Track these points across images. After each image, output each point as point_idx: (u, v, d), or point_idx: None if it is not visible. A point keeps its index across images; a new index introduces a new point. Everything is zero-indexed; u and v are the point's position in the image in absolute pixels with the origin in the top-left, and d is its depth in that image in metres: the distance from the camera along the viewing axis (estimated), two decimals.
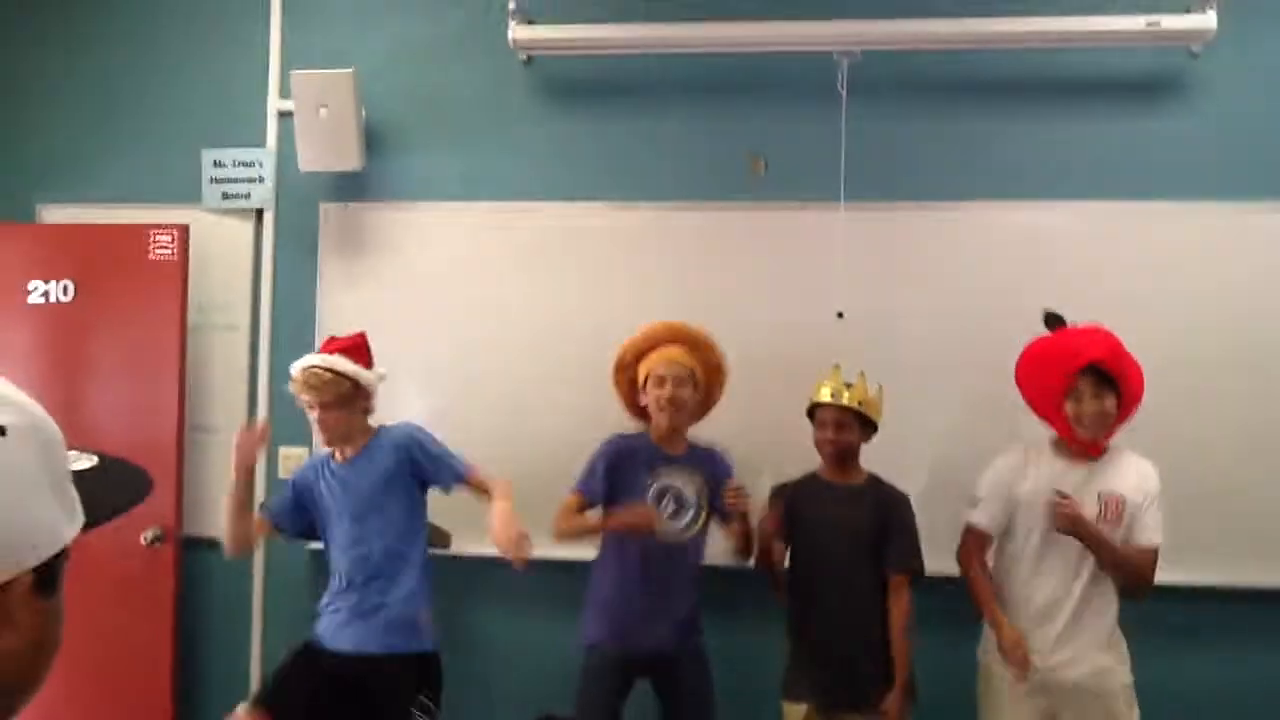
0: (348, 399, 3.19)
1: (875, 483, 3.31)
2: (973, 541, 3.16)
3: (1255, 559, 3.61)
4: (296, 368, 3.22)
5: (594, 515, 3.36)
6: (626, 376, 3.40)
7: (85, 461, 1.01)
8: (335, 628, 3.21)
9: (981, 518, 3.13)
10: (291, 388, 3.22)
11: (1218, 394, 3.64)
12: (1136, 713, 3.01)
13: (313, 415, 3.21)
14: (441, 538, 3.85)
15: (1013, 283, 3.69)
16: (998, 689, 3.07)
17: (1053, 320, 3.12)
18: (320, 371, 3.16)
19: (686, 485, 3.31)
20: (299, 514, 3.33)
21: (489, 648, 4.06)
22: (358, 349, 3.29)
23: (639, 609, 3.26)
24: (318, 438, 3.36)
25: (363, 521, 3.20)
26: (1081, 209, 3.76)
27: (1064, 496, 2.93)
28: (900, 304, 3.79)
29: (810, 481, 3.34)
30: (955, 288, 3.76)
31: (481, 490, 3.22)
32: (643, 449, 3.37)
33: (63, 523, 0.89)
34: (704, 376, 3.35)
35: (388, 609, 3.18)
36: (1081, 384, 2.98)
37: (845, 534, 3.21)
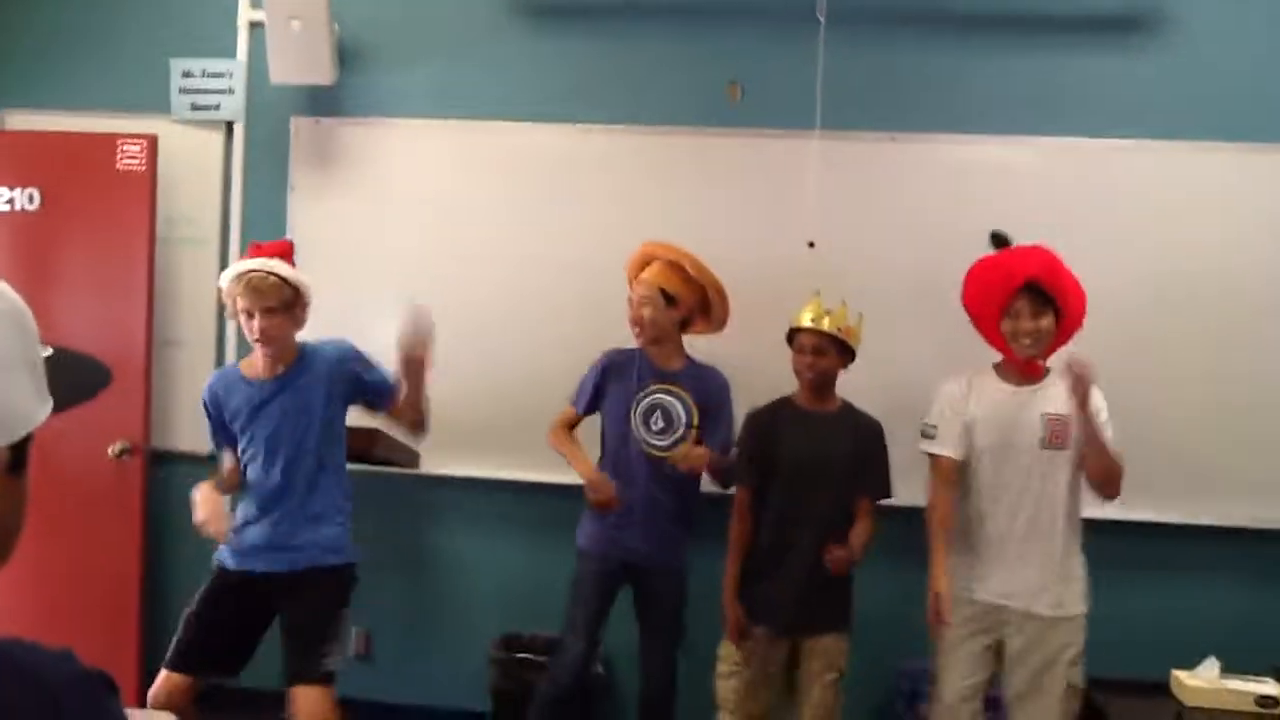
0: (289, 305, 3.03)
1: (850, 410, 3.34)
2: (940, 473, 3.13)
3: (1209, 497, 3.70)
4: (234, 272, 3.04)
5: (578, 449, 3.39)
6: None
7: (43, 351, 1.01)
8: (263, 547, 3.08)
9: (944, 445, 3.12)
10: (228, 293, 3.02)
11: (1182, 332, 3.69)
12: (1082, 640, 3.02)
13: (250, 323, 3.00)
14: (410, 457, 3.87)
15: (983, 217, 3.65)
16: (954, 611, 3.11)
17: (998, 240, 3.12)
18: (265, 275, 2.98)
19: (676, 402, 3.35)
20: (227, 432, 3.17)
21: (455, 567, 4.11)
22: (288, 255, 3.10)
23: (627, 517, 3.32)
24: (256, 349, 3.10)
25: (293, 438, 3.06)
26: (1054, 145, 3.77)
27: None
28: (872, 235, 3.80)
29: (785, 407, 3.35)
30: (927, 220, 3.77)
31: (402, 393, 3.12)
32: (637, 363, 3.41)
33: (35, 404, 0.91)
34: (682, 293, 3.35)
35: (316, 525, 3.08)
36: (1019, 302, 2.98)
37: (822, 461, 3.24)
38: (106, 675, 0.89)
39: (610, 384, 3.41)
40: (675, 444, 3.32)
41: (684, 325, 3.44)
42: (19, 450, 0.90)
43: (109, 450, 3.88)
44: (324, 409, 3.08)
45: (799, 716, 3.27)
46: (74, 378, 1.01)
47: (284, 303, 3.00)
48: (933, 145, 3.82)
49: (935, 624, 3.00)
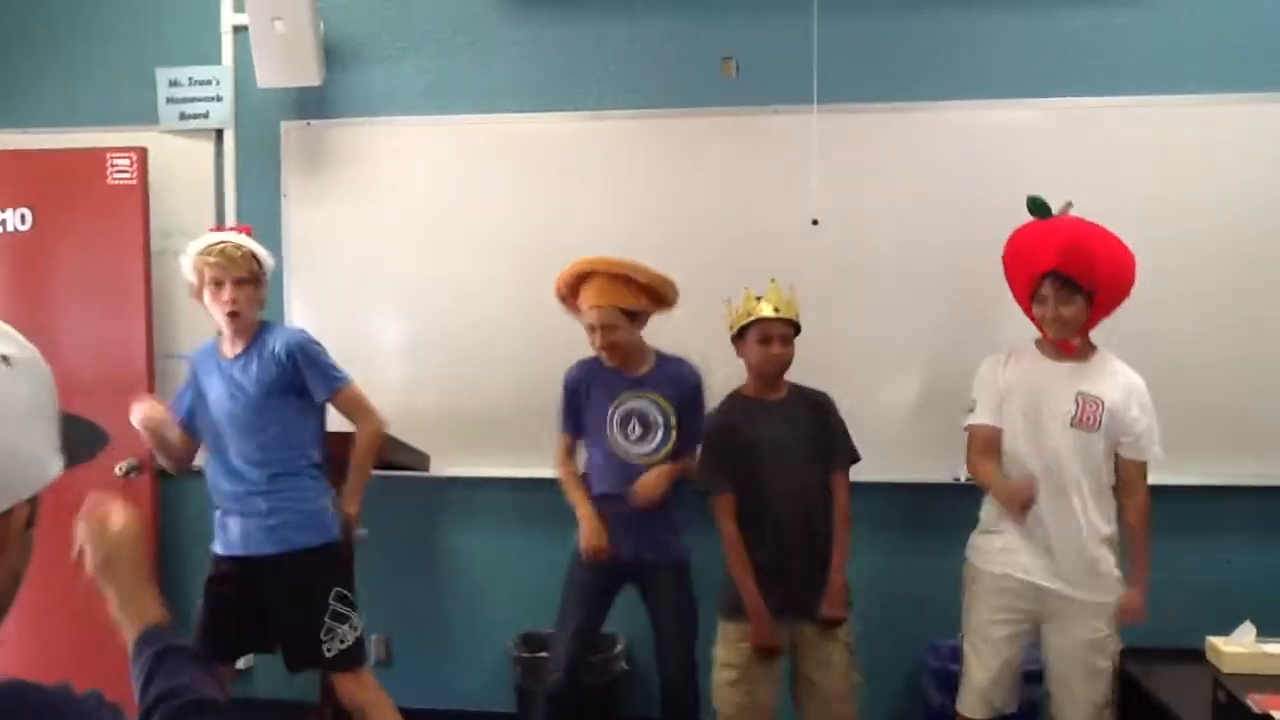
0: (257, 280, 3.04)
1: (799, 390, 3.26)
2: (979, 442, 3.05)
3: (1241, 457, 3.62)
4: (202, 244, 3.01)
5: (580, 492, 3.31)
6: (570, 307, 3.34)
7: None
8: (242, 532, 3.07)
9: (982, 415, 3.03)
10: (196, 265, 2.98)
11: (1199, 291, 3.61)
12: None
13: (220, 294, 2.98)
14: (419, 459, 3.82)
15: (989, 184, 3.62)
16: (982, 591, 3.07)
17: (1037, 207, 3.02)
18: (237, 245, 2.99)
19: (650, 407, 3.28)
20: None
21: (469, 567, 4.07)
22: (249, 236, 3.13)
23: (617, 521, 3.26)
24: (223, 324, 3.05)
25: (253, 423, 3.03)
26: (1057, 106, 3.68)
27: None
28: (876, 209, 3.72)
29: (742, 403, 3.25)
30: (931, 191, 3.69)
31: (351, 416, 3.13)
32: (602, 374, 3.32)
33: (51, 459, 0.93)
34: (639, 303, 3.22)
35: (288, 507, 3.03)
36: (1045, 288, 2.92)
37: (792, 447, 3.16)
38: (99, 694, 0.92)
39: (582, 400, 3.33)
40: (659, 448, 3.23)
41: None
42: (35, 504, 0.92)
43: (116, 469, 3.84)
44: (275, 393, 3.03)
45: (811, 712, 3.20)
46: (78, 435, 1.03)
47: (253, 275, 3.03)
48: (935, 113, 3.73)
49: (1025, 502, 2.90)
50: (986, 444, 3.02)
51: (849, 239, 3.65)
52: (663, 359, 3.34)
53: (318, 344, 3.13)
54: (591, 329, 3.22)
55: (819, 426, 3.19)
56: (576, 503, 3.30)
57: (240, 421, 3.04)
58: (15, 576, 0.94)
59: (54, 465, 0.93)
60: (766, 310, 3.13)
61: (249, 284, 3.01)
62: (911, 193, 3.71)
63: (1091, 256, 2.88)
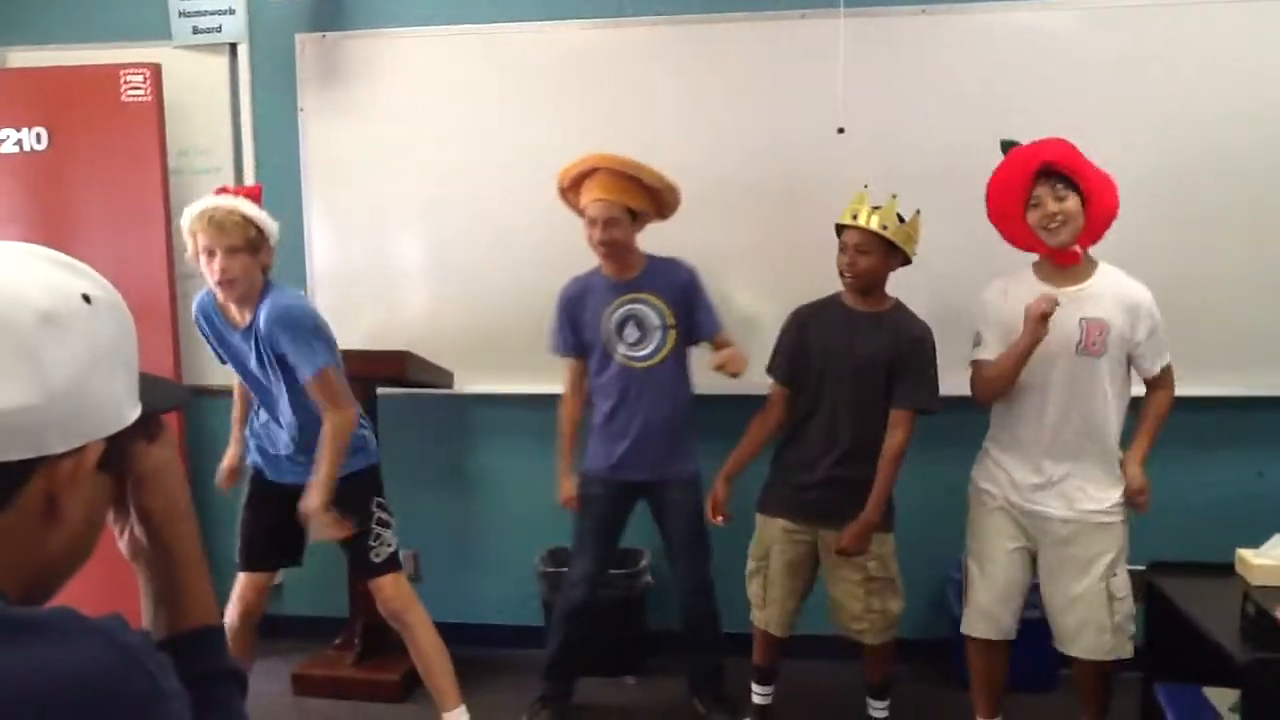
0: (255, 247, 2.87)
1: (896, 312, 3.17)
2: (982, 378, 3.01)
3: (1263, 367, 3.56)
4: (196, 209, 2.87)
5: (566, 440, 3.42)
6: (569, 201, 3.31)
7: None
8: (273, 467, 3.15)
9: (986, 351, 2.99)
10: (189, 230, 2.86)
11: (1232, 201, 3.51)
12: (1119, 546, 2.93)
13: (212, 265, 2.84)
14: (443, 377, 3.82)
15: (1020, 89, 3.51)
16: (986, 511, 3.04)
17: (1008, 146, 2.97)
18: (229, 210, 2.82)
19: (644, 308, 3.25)
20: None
21: (495, 484, 4.09)
22: (257, 198, 2.95)
23: (624, 437, 3.27)
24: (217, 292, 2.93)
25: (274, 387, 3.01)
26: (1096, 5, 3.54)
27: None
28: (903, 118, 3.62)
29: (830, 305, 3.21)
30: (960, 96, 3.58)
31: (323, 402, 2.93)
32: (595, 284, 3.31)
33: (128, 404, 0.93)
34: (643, 205, 3.19)
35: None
36: (1039, 188, 2.85)
37: (852, 361, 3.11)
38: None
39: (578, 316, 3.32)
40: (657, 349, 3.23)
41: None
42: (110, 448, 0.91)
43: None
44: (281, 361, 2.94)
45: (832, 614, 3.23)
46: (157, 389, 1.02)
47: (249, 243, 2.86)
48: (966, 15, 3.60)
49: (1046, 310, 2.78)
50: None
51: (875, 149, 3.56)
52: (654, 260, 3.30)
53: (306, 318, 2.93)
54: (592, 223, 3.18)
55: (897, 356, 3.10)
56: (560, 454, 3.40)
57: (262, 384, 3.05)
58: (92, 521, 0.94)
59: (131, 411, 0.93)
60: (845, 216, 3.08)
61: (243, 252, 2.83)
62: (942, 99, 3.60)
63: (1076, 154, 2.85)
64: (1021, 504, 2.97)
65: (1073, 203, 2.84)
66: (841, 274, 3.13)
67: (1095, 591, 2.90)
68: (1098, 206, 2.86)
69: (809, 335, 3.19)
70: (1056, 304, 2.78)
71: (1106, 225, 2.91)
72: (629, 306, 3.25)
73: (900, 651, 3.35)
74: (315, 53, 3.94)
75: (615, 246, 3.20)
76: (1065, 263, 2.91)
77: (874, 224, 3.02)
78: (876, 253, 3.06)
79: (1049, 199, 2.85)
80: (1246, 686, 2.29)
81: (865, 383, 3.11)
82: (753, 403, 3.33)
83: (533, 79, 3.81)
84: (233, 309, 2.99)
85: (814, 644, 3.45)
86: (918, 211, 3.10)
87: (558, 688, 3.48)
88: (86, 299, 0.88)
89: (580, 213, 3.25)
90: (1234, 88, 3.49)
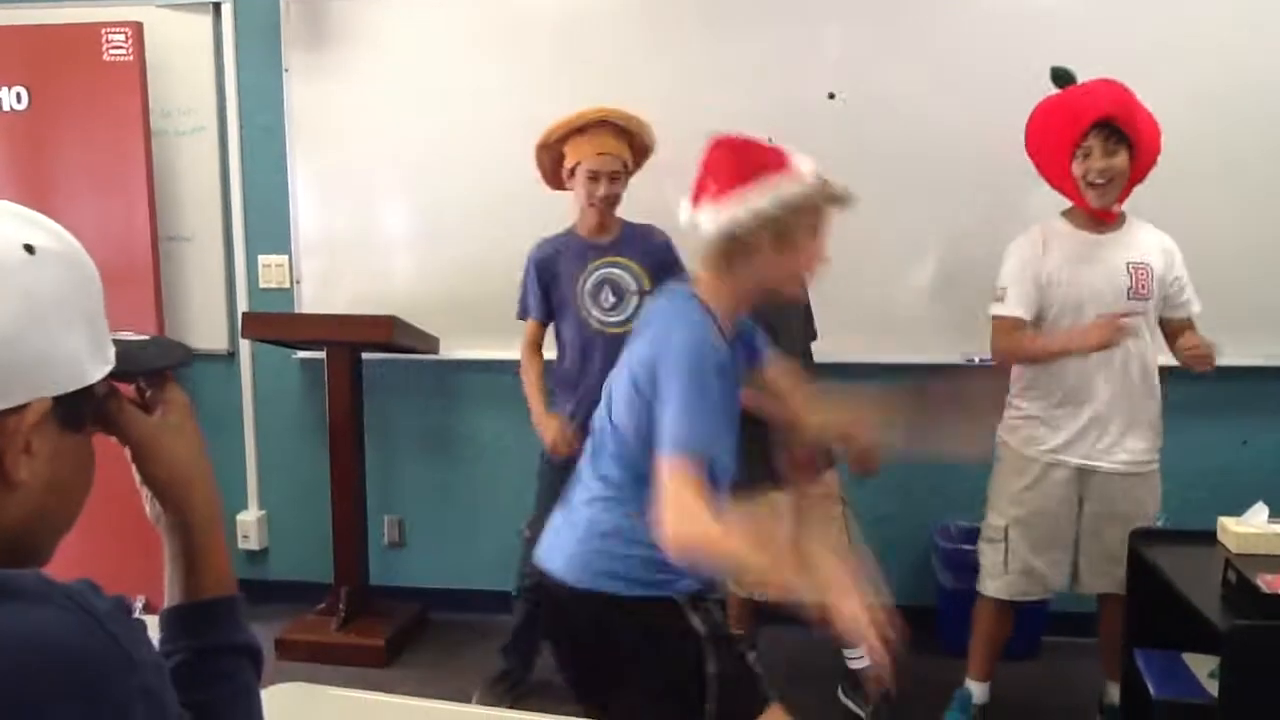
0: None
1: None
2: (1002, 334, 2.95)
3: (1255, 335, 3.56)
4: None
5: (534, 389, 3.27)
6: (550, 155, 3.22)
7: (135, 336, 1.01)
8: None
9: (1012, 305, 2.91)
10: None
11: (1237, 159, 3.50)
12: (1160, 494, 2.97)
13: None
14: (428, 342, 3.80)
15: (1016, 53, 3.47)
16: (1028, 470, 2.99)
17: (1061, 77, 2.90)
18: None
19: (621, 273, 3.21)
20: None
21: (481, 449, 4.07)
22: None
23: (588, 404, 3.23)
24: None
25: None
26: None
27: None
28: (896, 83, 3.59)
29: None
30: (955, 62, 3.55)
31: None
32: (569, 246, 3.24)
33: (87, 360, 0.87)
34: (635, 163, 3.19)
35: None
36: (1091, 139, 2.78)
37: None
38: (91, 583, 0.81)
39: (550, 278, 3.24)
40: (630, 316, 3.12)
41: None
42: (75, 406, 0.86)
43: None
44: None
45: None
46: (154, 352, 0.99)
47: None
48: None
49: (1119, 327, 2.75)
50: (1014, 330, 2.93)
51: (867, 114, 3.53)
52: (629, 225, 3.26)
53: None
54: (593, 177, 3.11)
55: None
56: (531, 403, 3.25)
57: None
58: (56, 485, 0.86)
59: (96, 370, 0.87)
60: None
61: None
62: (934, 65, 3.57)
63: (1137, 108, 2.79)
64: (1067, 461, 2.93)
65: (1122, 159, 2.78)
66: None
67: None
68: (1145, 158, 2.82)
69: None
70: (1125, 331, 2.74)
71: (1146, 174, 2.87)
72: (605, 270, 3.20)
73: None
74: (301, 12, 3.89)
75: (613, 203, 3.16)
76: (1105, 219, 2.89)
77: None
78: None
79: (1098, 154, 2.78)
80: (1226, 653, 2.29)
81: None
82: None
83: (520, 41, 3.77)
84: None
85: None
86: None
87: (515, 663, 3.42)
88: (30, 249, 0.82)
89: (555, 168, 3.19)
90: (1235, 65, 3.46)
